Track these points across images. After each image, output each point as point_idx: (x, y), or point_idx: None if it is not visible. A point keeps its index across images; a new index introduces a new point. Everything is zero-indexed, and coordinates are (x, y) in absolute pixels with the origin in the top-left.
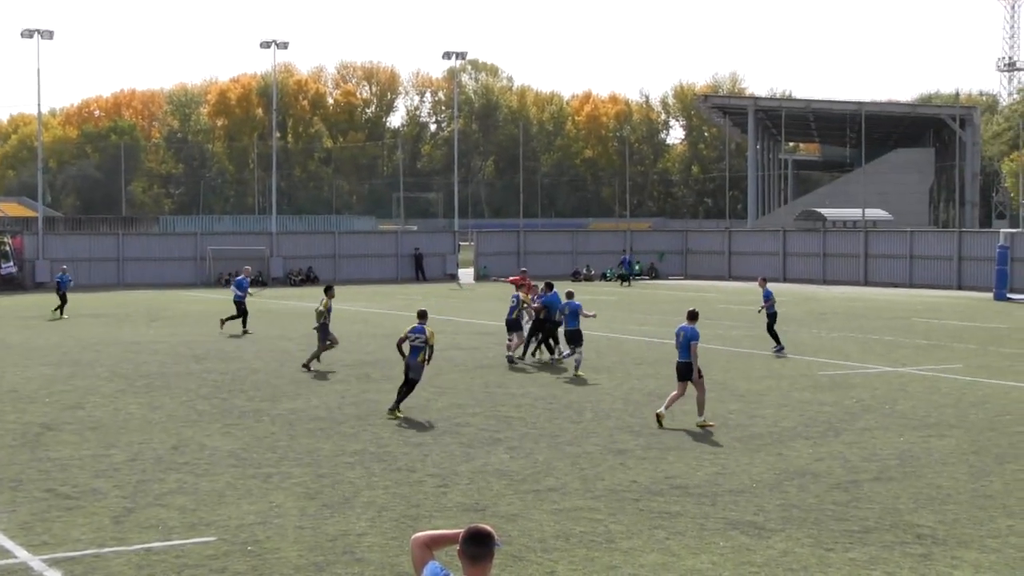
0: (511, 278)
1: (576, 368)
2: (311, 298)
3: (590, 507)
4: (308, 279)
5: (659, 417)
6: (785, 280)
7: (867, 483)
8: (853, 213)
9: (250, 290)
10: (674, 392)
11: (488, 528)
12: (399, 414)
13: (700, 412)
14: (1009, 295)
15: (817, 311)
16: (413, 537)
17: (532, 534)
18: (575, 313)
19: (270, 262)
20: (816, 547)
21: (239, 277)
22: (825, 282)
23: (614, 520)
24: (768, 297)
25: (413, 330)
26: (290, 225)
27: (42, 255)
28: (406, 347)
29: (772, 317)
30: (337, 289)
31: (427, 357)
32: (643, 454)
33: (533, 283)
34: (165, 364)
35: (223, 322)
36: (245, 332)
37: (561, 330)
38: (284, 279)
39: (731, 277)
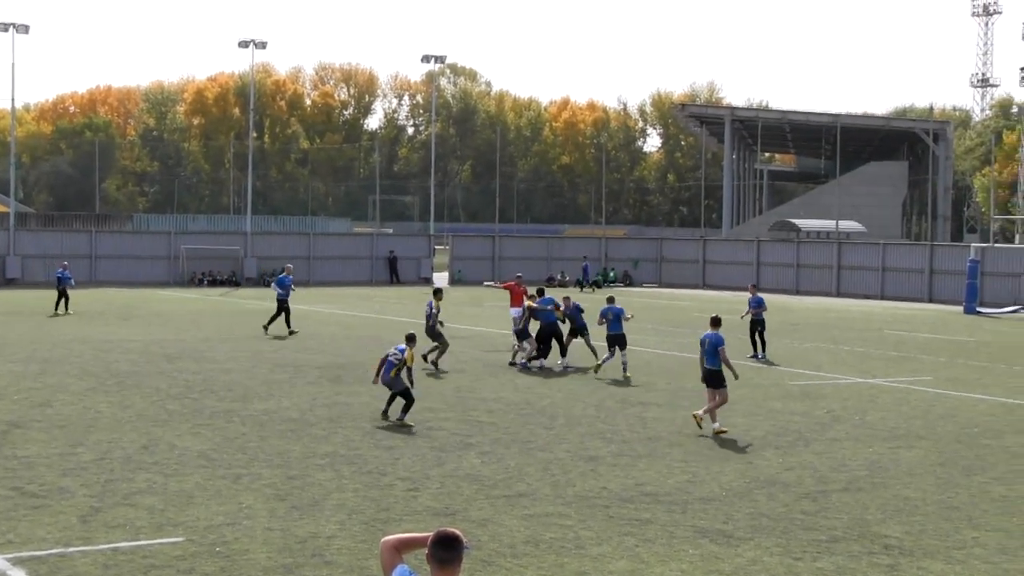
0: (505, 284)
1: (624, 370)
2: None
3: (560, 513)
4: None
5: (717, 432)
6: (759, 290)
7: (836, 493)
8: (827, 224)
9: (292, 287)
10: (715, 402)
11: (457, 532)
12: (389, 418)
13: (714, 419)
14: (979, 309)
15: (789, 321)
16: (382, 540)
17: (502, 539)
18: (618, 318)
19: (244, 262)
20: (784, 556)
21: (282, 275)
22: (798, 292)
23: (584, 526)
24: (759, 303)
25: (396, 348)
26: (265, 225)
27: (13, 251)
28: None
29: (760, 324)
30: (311, 291)
31: (398, 372)
32: (614, 461)
33: (527, 289)
34: (136, 363)
35: (266, 327)
36: (292, 332)
37: (601, 333)
38: (258, 279)
39: (705, 286)
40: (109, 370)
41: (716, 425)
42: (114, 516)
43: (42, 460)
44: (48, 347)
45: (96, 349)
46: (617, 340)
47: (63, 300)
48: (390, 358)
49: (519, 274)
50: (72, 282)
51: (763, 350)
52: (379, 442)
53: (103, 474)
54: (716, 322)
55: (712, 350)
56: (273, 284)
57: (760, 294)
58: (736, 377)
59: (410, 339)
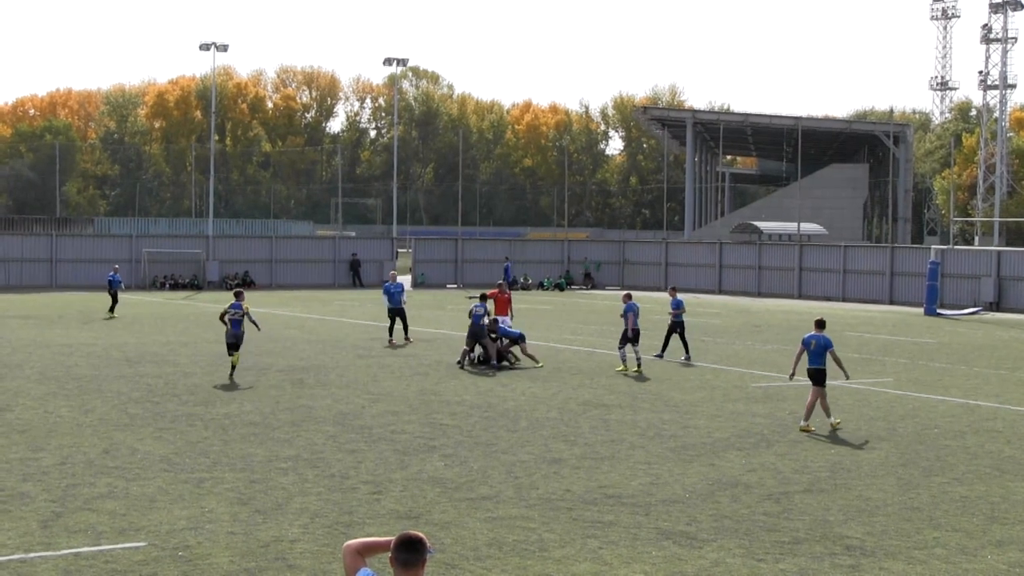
0: (489, 293)
1: (638, 366)
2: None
3: (524, 515)
4: (244, 283)
5: (806, 430)
6: (720, 292)
7: (798, 494)
8: (788, 227)
9: (404, 296)
10: (809, 400)
11: (420, 535)
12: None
13: (828, 414)
14: (939, 310)
15: (751, 323)
16: (345, 544)
17: (465, 542)
18: (637, 314)
19: (206, 266)
20: (747, 557)
21: (387, 283)
22: (760, 294)
23: (547, 529)
24: (678, 306)
25: (232, 306)
26: (227, 229)
27: None
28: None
29: (679, 326)
30: (272, 294)
31: (253, 322)
32: (577, 463)
33: (510, 297)
34: (97, 367)
35: (397, 339)
36: (408, 340)
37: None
38: (220, 283)
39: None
40: (70, 374)
41: (832, 420)
42: (76, 521)
43: (2, 465)
44: (7, 352)
45: (56, 353)
46: (636, 334)
47: (114, 303)
48: (233, 317)
49: (500, 282)
50: (122, 285)
51: (686, 352)
52: (342, 445)
53: (64, 479)
54: (821, 324)
55: (820, 351)
56: (383, 295)
57: (679, 296)
58: (847, 377)
59: (238, 295)
